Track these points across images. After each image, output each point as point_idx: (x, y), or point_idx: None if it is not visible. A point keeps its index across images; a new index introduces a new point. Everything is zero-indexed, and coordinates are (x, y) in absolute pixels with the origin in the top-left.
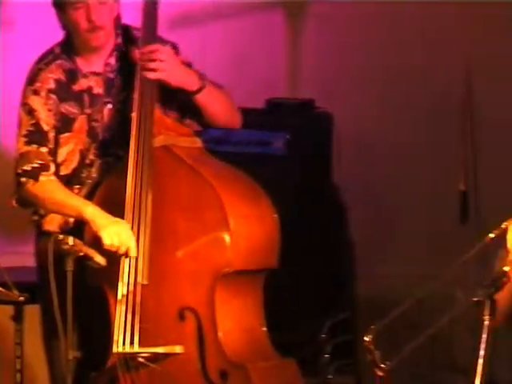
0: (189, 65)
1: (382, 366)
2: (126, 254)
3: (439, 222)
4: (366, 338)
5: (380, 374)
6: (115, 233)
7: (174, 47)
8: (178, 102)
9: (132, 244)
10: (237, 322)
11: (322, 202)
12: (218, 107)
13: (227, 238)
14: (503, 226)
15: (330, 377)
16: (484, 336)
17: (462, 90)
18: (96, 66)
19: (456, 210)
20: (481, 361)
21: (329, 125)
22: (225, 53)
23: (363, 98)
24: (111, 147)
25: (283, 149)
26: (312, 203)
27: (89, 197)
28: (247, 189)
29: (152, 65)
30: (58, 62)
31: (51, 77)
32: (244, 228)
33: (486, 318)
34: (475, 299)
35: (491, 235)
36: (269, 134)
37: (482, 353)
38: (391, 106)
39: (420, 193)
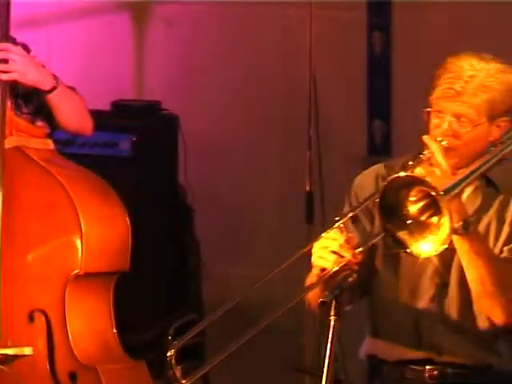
0: (42, 66)
1: (183, 382)
2: None
3: (286, 222)
4: (168, 354)
5: None
6: None
7: (25, 48)
8: (33, 102)
9: None
10: (87, 323)
11: (168, 203)
12: (70, 109)
13: (78, 240)
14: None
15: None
16: (330, 336)
17: (307, 91)
18: None
19: (302, 211)
20: (327, 360)
21: (175, 126)
22: (71, 54)
23: (210, 99)
24: None
25: (129, 150)
26: (158, 204)
27: None
28: (100, 191)
29: (2, 66)
30: None
31: None
32: (96, 230)
33: (332, 318)
34: (321, 300)
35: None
36: (114, 135)
37: (327, 353)
38: (238, 107)
39: (267, 193)
